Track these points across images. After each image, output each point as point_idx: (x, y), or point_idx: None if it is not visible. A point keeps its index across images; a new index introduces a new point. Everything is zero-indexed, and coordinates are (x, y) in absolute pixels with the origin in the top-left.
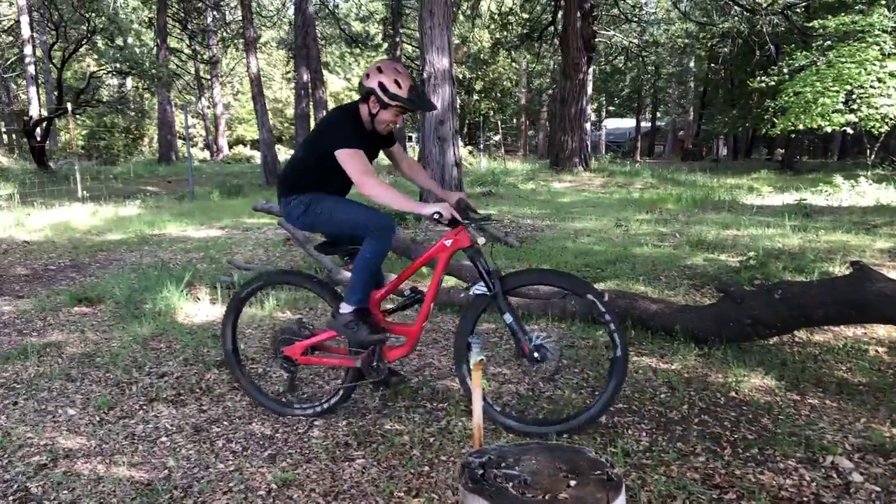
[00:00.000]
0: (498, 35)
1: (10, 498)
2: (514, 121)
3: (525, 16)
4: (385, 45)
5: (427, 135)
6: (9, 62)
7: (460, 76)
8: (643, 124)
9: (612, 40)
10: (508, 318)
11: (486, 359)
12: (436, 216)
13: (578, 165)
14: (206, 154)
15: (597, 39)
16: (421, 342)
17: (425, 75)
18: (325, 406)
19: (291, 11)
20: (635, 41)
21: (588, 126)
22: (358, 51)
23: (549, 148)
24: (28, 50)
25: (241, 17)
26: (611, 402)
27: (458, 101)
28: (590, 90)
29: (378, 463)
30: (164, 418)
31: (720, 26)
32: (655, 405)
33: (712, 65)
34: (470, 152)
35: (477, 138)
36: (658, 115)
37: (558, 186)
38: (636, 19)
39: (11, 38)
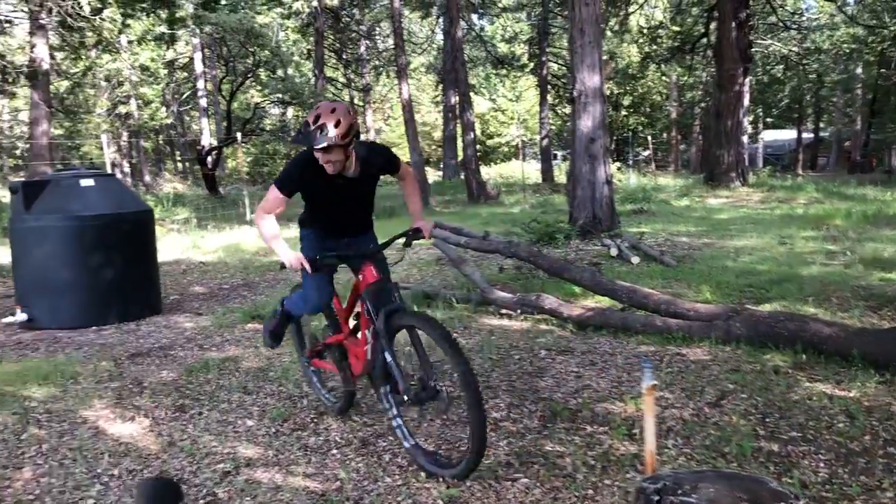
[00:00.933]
0: (647, 49)
1: (201, 502)
2: (665, 135)
3: (676, 29)
4: (531, 65)
5: (577, 153)
6: (184, 96)
7: (608, 92)
8: (804, 135)
9: (770, 49)
10: (388, 356)
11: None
12: (280, 265)
13: (735, 180)
14: None
15: (753, 49)
16: (581, 364)
17: (575, 94)
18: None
19: (440, 37)
20: (795, 49)
21: (745, 139)
22: (504, 72)
23: (702, 162)
24: (200, 84)
25: (392, 46)
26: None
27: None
28: (746, 102)
29: (541, 484)
30: (333, 431)
31: (892, 29)
32: (833, 434)
33: (883, 70)
34: (619, 168)
35: (626, 154)
36: (821, 125)
37: (714, 202)
38: (795, 26)
39: (186, 75)
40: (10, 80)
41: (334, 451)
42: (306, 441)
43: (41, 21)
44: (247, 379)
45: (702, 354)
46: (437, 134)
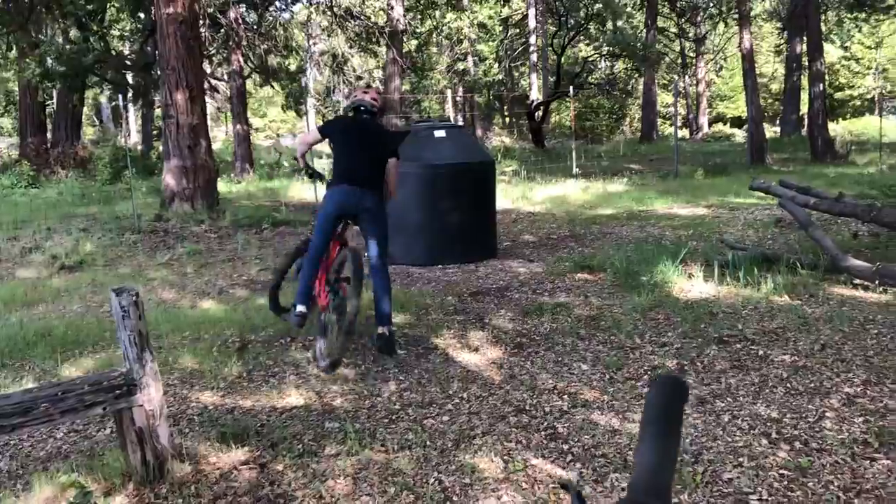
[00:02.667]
0: None
1: (543, 433)
2: None
3: None
4: None
5: None
6: (516, 52)
7: None
8: None
9: None
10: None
11: None
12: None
13: None
14: (686, 132)
15: None
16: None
17: None
18: None
19: None
20: None
21: None
22: (863, 15)
23: None
24: (532, 39)
25: None
26: None
27: None
28: None
29: None
30: None
31: None
32: None
33: None
34: None
35: None
36: None
37: None
38: None
39: (518, 31)
40: (374, 38)
41: None
42: (640, 391)
43: None
44: (579, 325)
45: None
46: (775, 86)
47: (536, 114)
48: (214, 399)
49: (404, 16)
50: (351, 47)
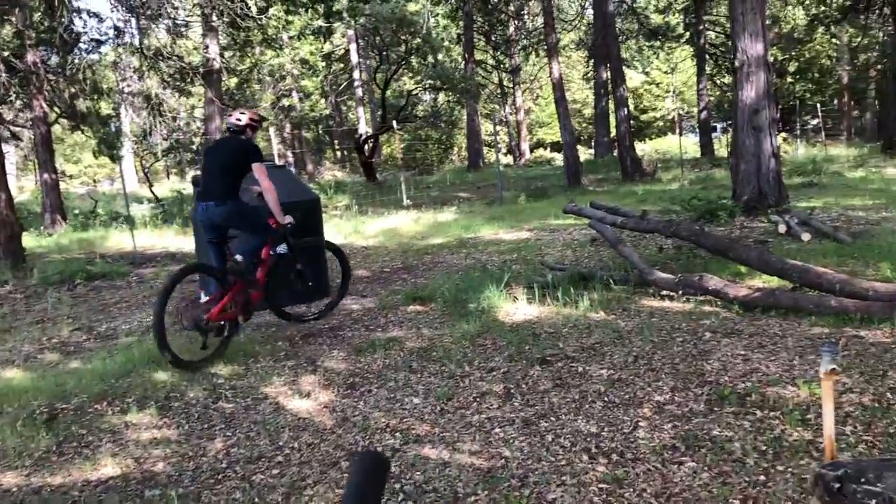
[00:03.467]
0: (815, 10)
1: None
2: (835, 102)
3: None
4: (687, 35)
5: (741, 125)
6: (341, 87)
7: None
8: None
9: None
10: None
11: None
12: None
13: None
14: (510, 159)
15: None
16: (749, 347)
17: (737, 63)
18: None
19: (590, 12)
20: None
21: None
22: (658, 43)
23: (879, 130)
24: (356, 74)
25: (542, 25)
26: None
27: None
28: None
29: (709, 468)
30: (495, 410)
31: None
32: None
33: None
34: (785, 139)
35: (793, 124)
36: None
37: (894, 173)
38: None
39: (342, 66)
40: (188, 79)
41: (497, 430)
42: (470, 419)
43: (213, 23)
44: (411, 358)
45: (882, 337)
46: (588, 111)
47: (366, 147)
48: (19, 480)
49: (221, 55)
50: (165, 88)
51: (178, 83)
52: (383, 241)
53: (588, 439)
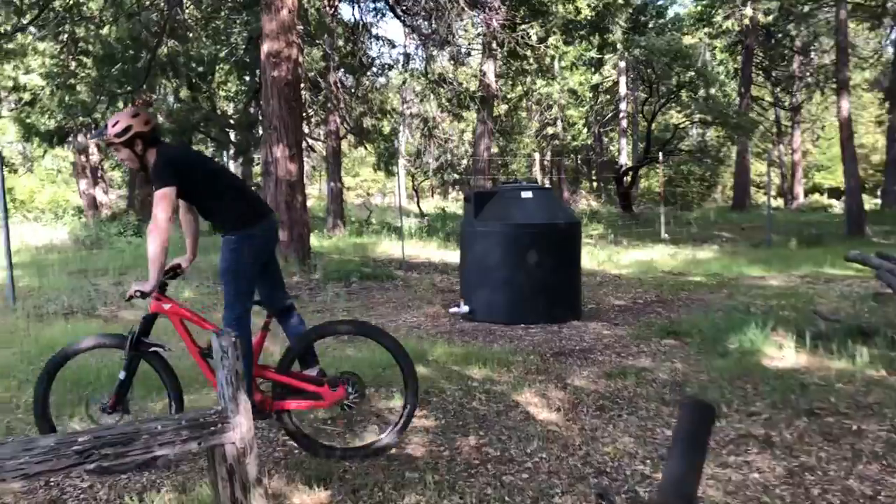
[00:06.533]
0: None
1: (624, 496)
2: None
3: None
4: None
5: None
6: (605, 118)
7: None
8: None
9: None
10: (122, 374)
11: None
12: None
13: None
14: (780, 202)
15: None
16: None
17: None
18: None
19: (890, 50)
20: None
21: None
22: None
23: None
24: (623, 106)
25: (830, 62)
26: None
27: None
28: None
29: None
30: (754, 455)
31: None
32: None
33: None
34: None
35: None
36: None
37: None
38: None
39: (608, 97)
40: (464, 104)
41: (755, 475)
42: (726, 459)
43: (494, 51)
44: (663, 390)
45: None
46: (877, 157)
47: (625, 178)
48: None
49: (496, 82)
50: (442, 111)
51: (454, 107)
52: (636, 273)
53: (862, 501)
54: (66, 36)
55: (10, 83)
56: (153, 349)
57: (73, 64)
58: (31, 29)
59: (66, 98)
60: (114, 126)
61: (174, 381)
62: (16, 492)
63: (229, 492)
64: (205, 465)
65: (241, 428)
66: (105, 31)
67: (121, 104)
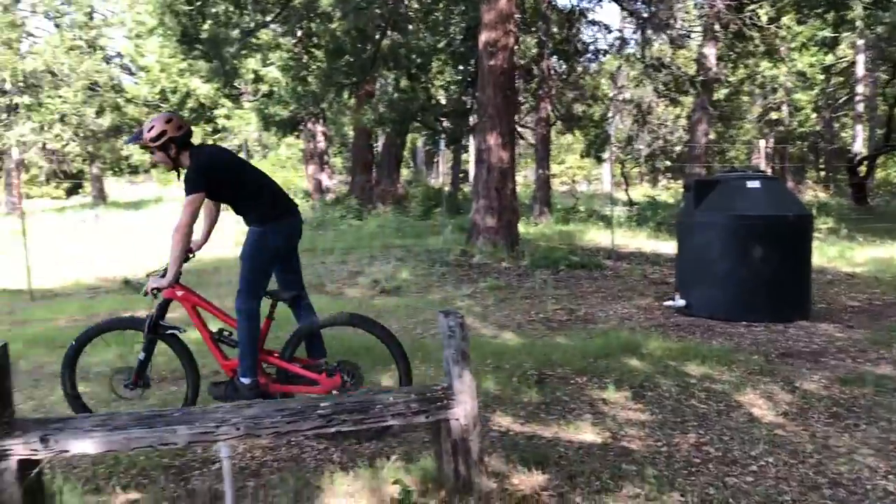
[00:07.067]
0: None
1: None
2: None
3: None
4: None
5: None
6: (838, 102)
7: None
8: None
9: None
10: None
11: None
12: None
13: None
14: None
15: None
16: None
17: None
18: None
19: None
20: None
21: None
22: None
23: None
24: (859, 89)
25: None
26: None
27: None
28: None
29: None
30: None
31: None
32: None
33: None
34: None
35: None
36: None
37: None
38: None
39: (842, 79)
40: (682, 88)
41: None
42: None
43: (716, 33)
44: None
45: None
46: None
47: (860, 168)
48: (514, 424)
49: (717, 64)
50: (659, 96)
51: (671, 92)
52: (874, 272)
53: None
54: (300, 31)
55: (252, 76)
56: (170, 332)
57: (306, 57)
58: (273, 25)
59: (299, 89)
60: (149, 131)
61: (192, 362)
62: (264, 447)
63: (453, 466)
64: (425, 438)
65: (465, 405)
66: (334, 24)
67: (346, 94)
